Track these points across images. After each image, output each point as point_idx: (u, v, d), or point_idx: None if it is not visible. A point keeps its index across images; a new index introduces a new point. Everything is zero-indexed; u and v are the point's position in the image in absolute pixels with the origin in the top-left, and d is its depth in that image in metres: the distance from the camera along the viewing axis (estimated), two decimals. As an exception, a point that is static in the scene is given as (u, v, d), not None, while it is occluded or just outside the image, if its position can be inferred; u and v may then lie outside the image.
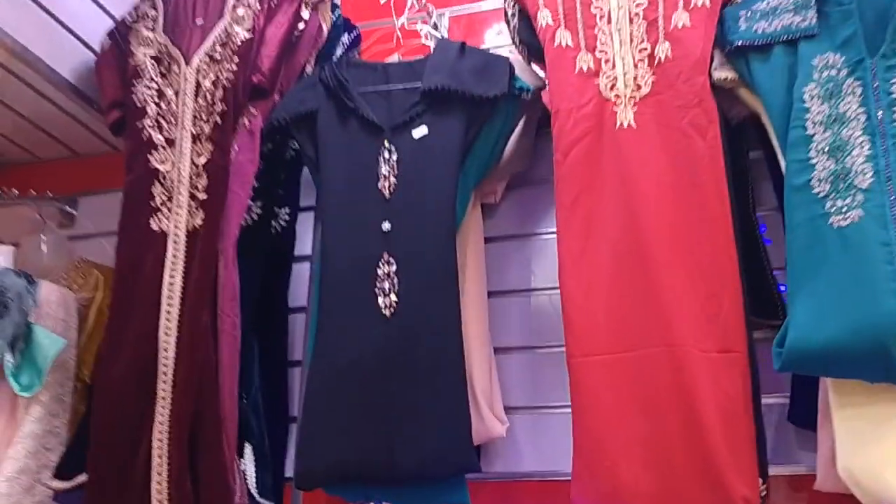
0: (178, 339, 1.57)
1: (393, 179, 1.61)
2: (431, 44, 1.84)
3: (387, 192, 1.61)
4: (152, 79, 1.81)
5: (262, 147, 1.78)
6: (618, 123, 1.47)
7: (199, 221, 1.66)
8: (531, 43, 1.64)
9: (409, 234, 1.56)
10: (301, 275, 1.90)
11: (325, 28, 1.86)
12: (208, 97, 1.76)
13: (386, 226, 1.58)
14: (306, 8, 1.83)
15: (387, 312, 1.51)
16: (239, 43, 1.78)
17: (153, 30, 1.86)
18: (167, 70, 1.81)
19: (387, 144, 1.64)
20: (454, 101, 1.63)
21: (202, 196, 1.68)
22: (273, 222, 1.85)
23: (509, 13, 1.66)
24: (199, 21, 1.85)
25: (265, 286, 1.81)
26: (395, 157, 1.63)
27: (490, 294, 1.74)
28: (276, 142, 1.87)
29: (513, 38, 1.68)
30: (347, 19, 1.94)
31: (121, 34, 1.89)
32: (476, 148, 1.64)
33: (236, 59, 1.76)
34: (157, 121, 1.77)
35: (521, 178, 1.83)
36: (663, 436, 1.28)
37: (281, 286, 1.88)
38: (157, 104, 1.79)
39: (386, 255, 1.55)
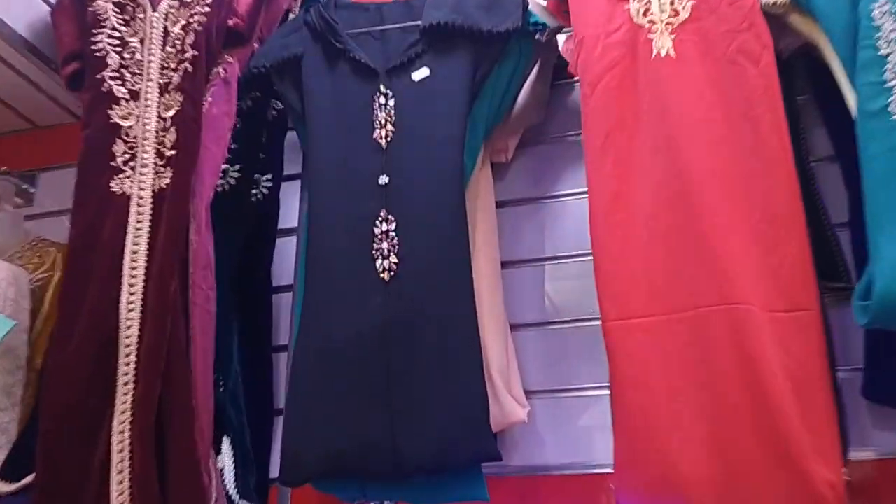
0: (143, 313, 1.34)
1: (390, 127, 1.40)
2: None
3: (383, 142, 1.39)
4: (114, 27, 1.58)
5: (240, 102, 1.57)
6: (654, 52, 1.26)
7: (166, 181, 1.44)
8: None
9: (410, 189, 1.34)
10: (286, 250, 1.68)
11: (310, -32, 1.65)
12: (177, 44, 1.54)
13: (383, 179, 1.36)
14: (286, -56, 1.62)
15: (385, 276, 1.29)
16: (211, -15, 1.56)
17: (116, -26, 1.64)
18: (132, 17, 1.59)
19: (382, 89, 1.42)
20: (459, 39, 1.42)
21: (170, 153, 1.46)
22: (253, 190, 1.63)
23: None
24: (169, -37, 1.63)
25: (245, 261, 1.59)
26: (391, 102, 1.41)
27: (503, 264, 1.52)
28: (256, 99, 1.66)
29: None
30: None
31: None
32: (485, 92, 1.43)
33: (206, 2, 1.54)
34: (119, 72, 1.55)
35: (534, 134, 1.62)
36: (725, 412, 1.06)
37: (263, 262, 1.66)
38: (120, 54, 1.56)
39: (384, 213, 1.34)
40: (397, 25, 1.49)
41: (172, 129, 1.47)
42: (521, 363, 1.47)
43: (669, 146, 1.19)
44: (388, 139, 1.39)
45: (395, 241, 1.31)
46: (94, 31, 1.58)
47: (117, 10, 1.60)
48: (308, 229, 1.40)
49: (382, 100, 1.41)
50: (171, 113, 1.48)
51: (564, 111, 1.62)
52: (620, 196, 1.20)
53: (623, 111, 1.23)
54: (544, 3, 1.47)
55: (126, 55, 1.56)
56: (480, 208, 1.48)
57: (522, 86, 1.50)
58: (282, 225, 1.67)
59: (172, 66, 1.52)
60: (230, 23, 1.53)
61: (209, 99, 1.50)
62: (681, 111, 1.20)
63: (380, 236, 1.32)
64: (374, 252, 1.31)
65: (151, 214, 1.43)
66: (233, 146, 1.58)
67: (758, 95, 1.21)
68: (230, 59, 1.54)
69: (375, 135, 1.40)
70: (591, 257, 1.24)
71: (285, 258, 1.67)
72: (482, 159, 1.49)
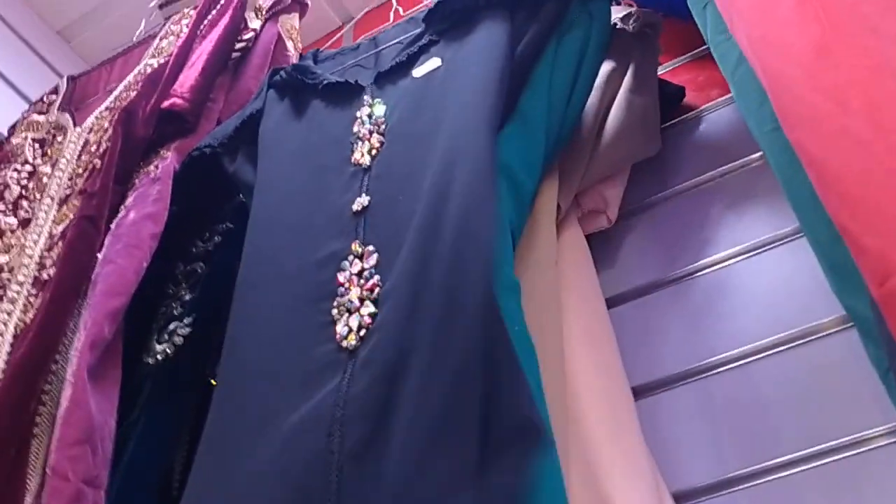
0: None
1: (376, 140, 0.80)
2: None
3: (367, 158, 0.79)
4: (26, 161, 1.12)
5: (204, 242, 1.03)
6: None
7: (30, 315, 0.86)
8: None
9: (398, 212, 0.72)
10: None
11: (292, 47, 1.17)
12: (93, 148, 1.04)
13: (360, 202, 0.74)
14: (257, 16, 1.16)
15: (350, 341, 0.62)
16: (147, 72, 1.10)
17: (45, 112, 1.22)
18: (50, 145, 1.13)
19: (367, 100, 0.85)
20: (483, 16, 0.86)
21: (46, 275, 0.89)
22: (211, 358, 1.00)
23: None
24: (112, 86, 1.19)
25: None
26: (379, 110, 0.83)
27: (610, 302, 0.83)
28: (227, 233, 1.09)
29: None
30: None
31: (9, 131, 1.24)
32: (539, 76, 0.83)
33: (138, 87, 1.07)
34: (14, 204, 1.05)
35: (647, 183, 0.97)
36: None
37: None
38: (24, 186, 1.07)
39: (356, 245, 0.70)
40: (395, 41, 0.95)
41: (59, 245, 0.92)
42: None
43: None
44: (374, 154, 0.79)
45: (371, 285, 0.66)
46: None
47: (37, 144, 1.14)
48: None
49: (366, 111, 0.84)
50: (62, 227, 0.94)
51: (690, 147, 0.99)
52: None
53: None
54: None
55: (31, 184, 1.07)
56: (572, 298, 0.81)
57: (597, 72, 0.89)
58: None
59: (80, 171, 1.01)
60: (166, 104, 1.03)
61: (129, 202, 0.96)
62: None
63: (345, 284, 0.67)
64: (333, 311, 0.66)
65: (6, 361, 0.83)
66: (187, 296, 1.01)
67: None
68: (165, 154, 1.02)
69: (354, 157, 0.80)
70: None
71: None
72: (561, 206, 0.85)
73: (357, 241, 0.71)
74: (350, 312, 0.66)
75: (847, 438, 0.71)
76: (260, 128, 0.94)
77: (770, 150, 0.68)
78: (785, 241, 0.86)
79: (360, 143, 0.81)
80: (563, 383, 0.71)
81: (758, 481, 0.73)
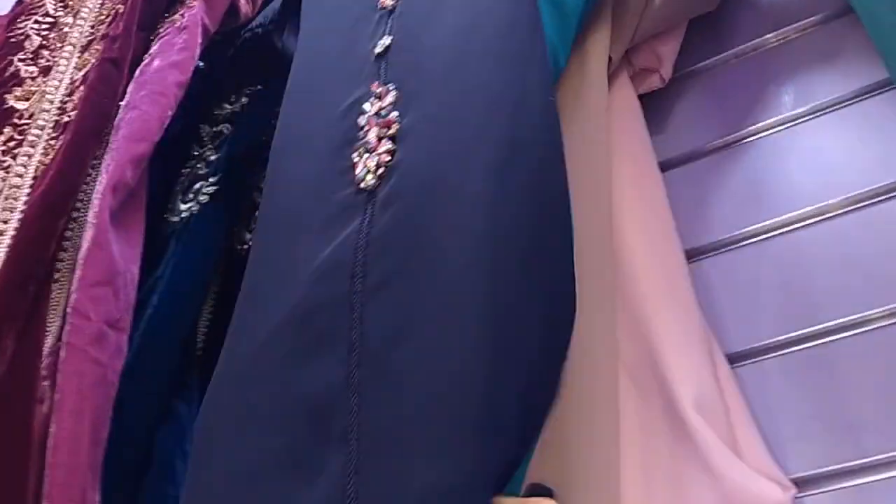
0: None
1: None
2: None
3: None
4: (47, 13, 1.07)
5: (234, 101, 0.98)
6: None
7: (50, 157, 0.82)
8: None
9: (424, 48, 0.68)
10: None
11: None
12: (117, -7, 0.99)
13: (383, 43, 0.70)
14: None
15: (369, 181, 0.60)
16: None
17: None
18: (72, -1, 1.07)
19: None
20: None
21: (67, 118, 0.85)
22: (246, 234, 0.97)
23: None
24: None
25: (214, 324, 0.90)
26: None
27: (689, 254, 0.76)
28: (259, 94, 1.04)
29: None
30: None
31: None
32: None
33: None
34: (35, 53, 1.00)
35: (707, 43, 0.91)
36: None
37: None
38: (44, 36, 1.02)
39: (376, 86, 0.65)
40: None
41: (80, 89, 0.88)
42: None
43: None
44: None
45: (387, 121, 0.62)
46: (18, 20, 1.07)
47: (58, -2, 1.09)
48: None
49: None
50: (83, 72, 0.90)
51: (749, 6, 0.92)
52: None
53: None
54: None
55: (52, 35, 1.02)
56: (625, 161, 0.77)
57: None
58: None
59: (103, 17, 0.96)
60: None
61: (154, 49, 0.91)
62: None
63: (364, 127, 0.63)
64: (353, 155, 0.62)
65: (26, 202, 0.80)
66: (213, 157, 0.97)
67: None
68: (192, 3, 0.96)
69: (381, 0, 0.75)
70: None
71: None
72: (612, 57, 0.79)
73: (377, 81, 0.67)
74: (369, 153, 0.62)
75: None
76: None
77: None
78: (847, 103, 0.80)
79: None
80: (609, 231, 0.66)
81: (807, 345, 0.70)
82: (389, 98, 0.65)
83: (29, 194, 0.80)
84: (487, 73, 0.62)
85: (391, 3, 0.74)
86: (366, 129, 0.64)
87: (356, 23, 0.77)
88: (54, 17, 1.05)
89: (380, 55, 0.70)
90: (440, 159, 0.58)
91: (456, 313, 0.51)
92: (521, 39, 0.63)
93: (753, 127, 0.83)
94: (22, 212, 0.79)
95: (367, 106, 0.66)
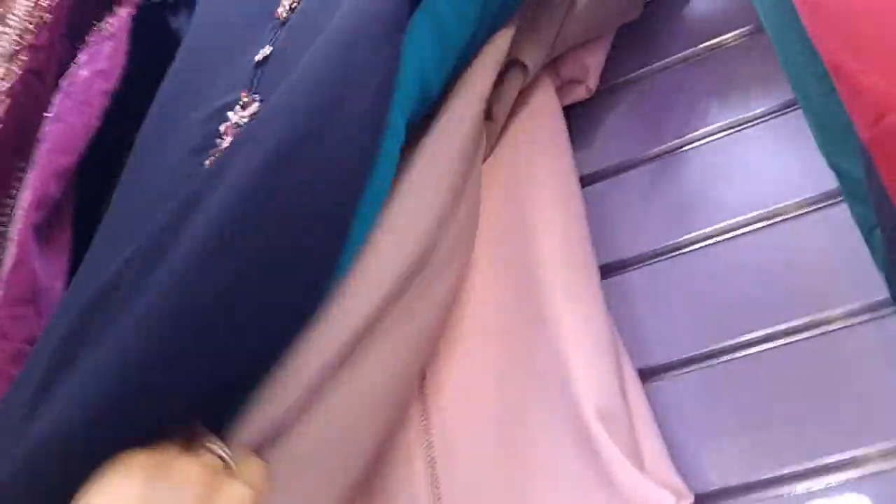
0: None
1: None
2: None
3: (286, 12, 0.74)
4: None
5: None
6: None
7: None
8: None
9: (293, 57, 0.66)
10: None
11: None
12: (43, 3, 0.97)
13: (263, 52, 0.70)
14: None
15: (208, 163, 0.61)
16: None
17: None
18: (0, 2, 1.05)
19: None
20: None
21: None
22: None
23: None
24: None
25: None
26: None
27: (605, 270, 0.77)
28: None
29: None
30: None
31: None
32: None
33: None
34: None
35: (631, 54, 0.92)
36: None
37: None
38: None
39: (245, 96, 0.66)
40: None
41: (6, 102, 0.87)
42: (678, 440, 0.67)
43: None
44: (295, 7, 0.74)
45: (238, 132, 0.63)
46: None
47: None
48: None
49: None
50: (9, 83, 0.88)
51: (677, 18, 0.93)
52: None
53: None
54: None
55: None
56: (543, 172, 0.78)
57: None
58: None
59: (31, 26, 0.94)
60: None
61: (81, 59, 0.91)
62: None
63: (223, 133, 0.64)
64: (206, 162, 0.64)
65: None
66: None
67: None
68: (119, 11, 0.95)
69: (278, 11, 0.75)
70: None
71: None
72: (528, 65, 0.79)
73: (247, 90, 0.67)
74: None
75: (822, 315, 0.69)
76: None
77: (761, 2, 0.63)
78: (770, 116, 0.81)
79: (288, -2, 0.75)
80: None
81: (725, 358, 0.71)
82: (252, 109, 0.65)
83: (-50, 210, 0.79)
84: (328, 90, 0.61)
85: (285, 15, 0.74)
86: (224, 136, 0.64)
87: (248, 28, 0.77)
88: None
89: (258, 63, 0.70)
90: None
91: None
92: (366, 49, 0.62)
93: (679, 140, 0.84)
94: (-57, 228, 0.78)
95: (230, 114, 0.66)
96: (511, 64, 0.79)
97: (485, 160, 0.78)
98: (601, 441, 0.56)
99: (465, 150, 0.68)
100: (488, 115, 0.78)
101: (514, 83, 0.79)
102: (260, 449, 0.53)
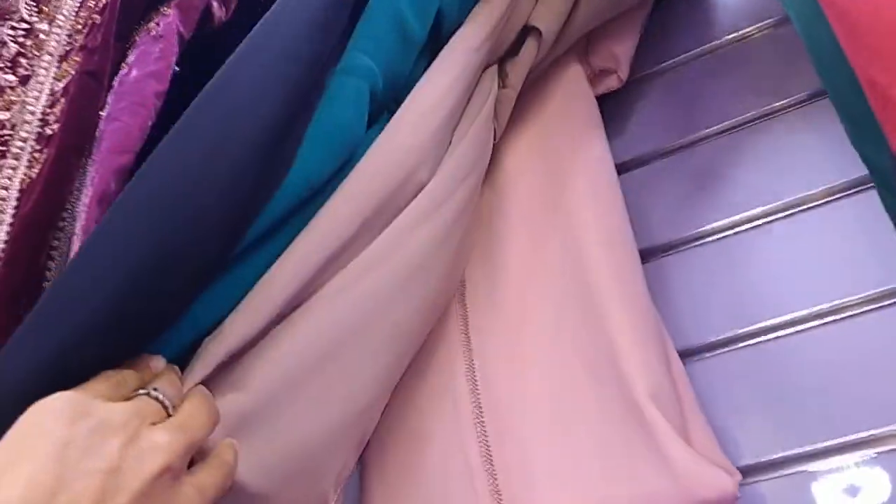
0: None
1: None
2: None
3: None
4: (22, 19, 1.08)
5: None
6: None
7: (35, 171, 0.85)
8: None
9: None
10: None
11: None
12: (91, 3, 1.01)
13: None
14: None
15: None
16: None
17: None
18: (46, 2, 1.09)
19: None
20: None
21: (51, 130, 0.88)
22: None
23: None
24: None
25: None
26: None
27: (648, 253, 0.81)
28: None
29: None
30: None
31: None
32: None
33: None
34: (13, 61, 1.02)
35: (660, 43, 0.95)
36: None
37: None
38: (21, 43, 1.04)
39: None
40: None
41: (62, 101, 0.91)
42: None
43: None
44: None
45: None
46: (-8, 26, 1.09)
47: (31, 0, 1.11)
48: None
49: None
50: (64, 83, 0.92)
51: (707, 9, 0.96)
52: None
53: None
54: None
55: (29, 42, 1.04)
56: (581, 163, 0.81)
57: None
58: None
59: (80, 26, 0.98)
60: (166, -45, 0.99)
61: (131, 59, 0.94)
62: None
63: None
64: None
65: (13, 215, 0.83)
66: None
67: None
68: (167, 11, 0.98)
69: None
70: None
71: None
72: (541, 30, 0.81)
73: None
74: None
75: (847, 300, 0.72)
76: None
77: (792, 5, 0.66)
78: (800, 105, 0.84)
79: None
80: None
81: (754, 341, 0.74)
82: None
83: (16, 207, 0.83)
84: None
85: None
86: None
87: None
88: (30, 23, 1.07)
89: None
90: None
91: None
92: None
93: (709, 129, 0.87)
94: (10, 225, 0.82)
95: None
96: (526, 32, 0.81)
97: (505, 129, 0.81)
98: (657, 422, 0.59)
99: (456, 93, 0.72)
100: (504, 83, 0.81)
101: (530, 50, 0.81)
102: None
